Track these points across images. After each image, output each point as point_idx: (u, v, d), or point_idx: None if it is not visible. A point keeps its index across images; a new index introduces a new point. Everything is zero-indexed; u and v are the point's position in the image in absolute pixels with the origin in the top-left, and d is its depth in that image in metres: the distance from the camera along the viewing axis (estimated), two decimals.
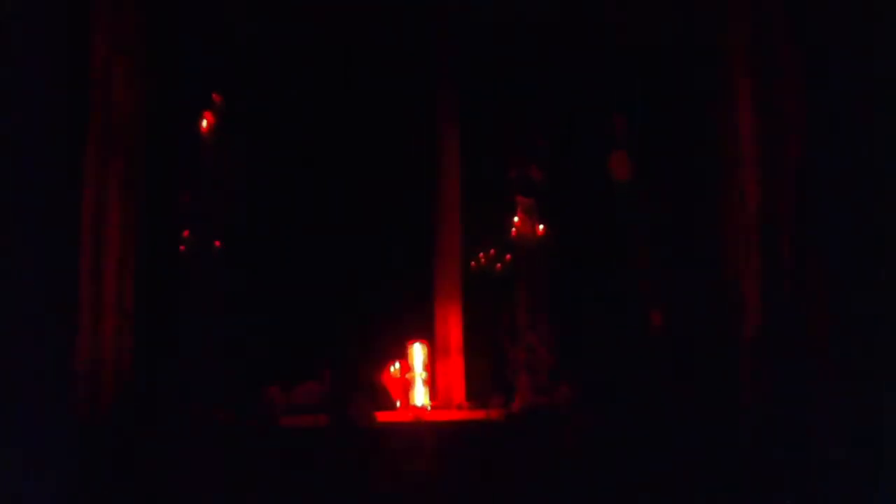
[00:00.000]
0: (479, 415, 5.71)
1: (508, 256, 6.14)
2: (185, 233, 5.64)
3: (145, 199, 5.25)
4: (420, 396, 5.99)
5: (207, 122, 5.72)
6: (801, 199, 4.62)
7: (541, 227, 6.01)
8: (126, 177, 5.13)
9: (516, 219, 6.05)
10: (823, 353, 4.58)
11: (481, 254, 6.29)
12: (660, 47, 5.74)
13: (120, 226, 5.10)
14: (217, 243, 5.67)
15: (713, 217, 5.10)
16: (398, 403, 5.99)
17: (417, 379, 6.02)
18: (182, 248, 5.63)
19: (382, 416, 5.58)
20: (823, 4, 4.49)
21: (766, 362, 4.76)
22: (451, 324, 6.17)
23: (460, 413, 5.90)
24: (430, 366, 6.08)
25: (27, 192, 4.63)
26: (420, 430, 5.40)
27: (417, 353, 6.06)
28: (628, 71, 5.94)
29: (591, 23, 6.04)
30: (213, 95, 5.74)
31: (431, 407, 5.97)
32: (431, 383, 6.07)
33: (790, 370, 4.67)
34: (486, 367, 6.15)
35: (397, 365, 6.03)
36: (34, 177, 4.68)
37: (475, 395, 6.09)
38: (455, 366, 6.15)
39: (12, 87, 4.60)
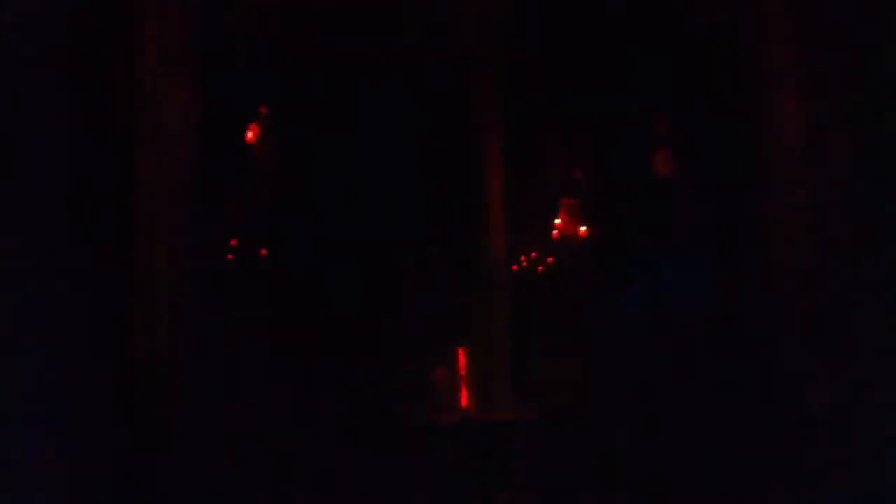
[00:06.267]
0: (527, 415, 5.74)
1: (551, 259, 6.15)
2: (234, 241, 5.77)
3: (195, 205, 5.35)
4: (466, 397, 6.02)
5: (254, 133, 5.87)
6: (852, 193, 4.58)
7: (583, 228, 6.02)
8: (176, 182, 5.24)
9: (558, 220, 6.06)
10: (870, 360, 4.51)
11: (523, 256, 6.31)
12: (703, 41, 5.75)
13: (170, 232, 5.21)
14: (264, 251, 5.80)
15: (758, 215, 5.07)
16: (443, 404, 6.02)
17: (463, 380, 6.05)
18: (230, 255, 5.75)
19: (429, 417, 5.64)
20: None
21: (810, 365, 4.71)
22: (496, 325, 6.21)
23: (506, 414, 5.93)
24: (476, 367, 6.12)
25: (81, 198, 4.73)
26: (468, 430, 5.45)
27: (462, 354, 6.10)
28: (671, 67, 5.94)
29: (632, 20, 6.04)
30: (261, 108, 5.89)
31: (477, 408, 6.00)
32: (477, 384, 6.11)
33: (836, 376, 4.61)
34: (531, 367, 6.16)
35: (443, 366, 6.07)
36: (87, 183, 4.77)
37: (521, 395, 6.12)
38: (499, 367, 6.19)
39: (61, 94, 4.70)
